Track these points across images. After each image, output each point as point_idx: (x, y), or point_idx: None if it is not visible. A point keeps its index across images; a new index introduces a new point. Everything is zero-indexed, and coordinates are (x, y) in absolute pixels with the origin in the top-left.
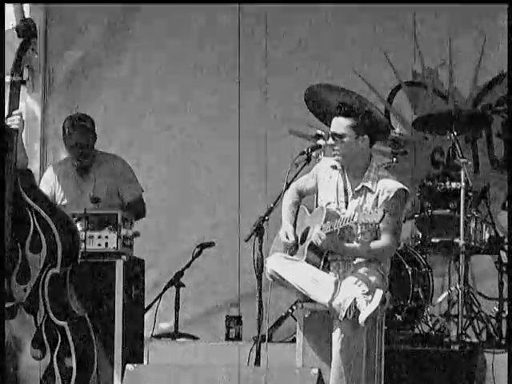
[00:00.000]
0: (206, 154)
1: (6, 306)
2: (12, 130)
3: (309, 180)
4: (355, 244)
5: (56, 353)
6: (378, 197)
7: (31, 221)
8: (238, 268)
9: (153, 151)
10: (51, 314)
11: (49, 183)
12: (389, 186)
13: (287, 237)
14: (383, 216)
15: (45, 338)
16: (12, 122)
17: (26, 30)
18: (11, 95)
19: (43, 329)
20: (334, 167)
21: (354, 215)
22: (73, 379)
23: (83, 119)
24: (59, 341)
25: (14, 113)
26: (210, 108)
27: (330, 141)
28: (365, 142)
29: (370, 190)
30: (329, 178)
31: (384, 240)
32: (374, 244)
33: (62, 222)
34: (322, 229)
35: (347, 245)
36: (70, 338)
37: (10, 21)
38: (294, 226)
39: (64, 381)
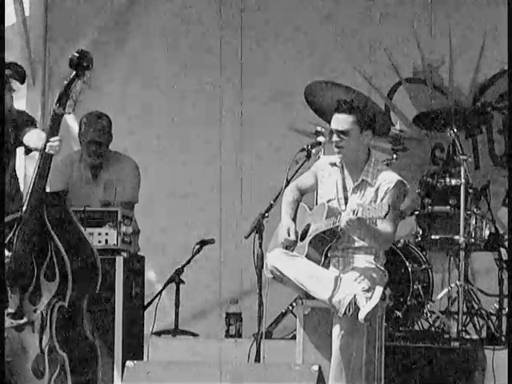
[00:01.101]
0: (206, 149)
1: (18, 322)
2: (48, 154)
3: (308, 177)
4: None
5: (53, 379)
6: (377, 189)
7: (49, 250)
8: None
9: (153, 144)
10: (55, 343)
11: (63, 173)
12: (388, 177)
13: (289, 234)
14: (388, 211)
15: (46, 362)
16: (50, 147)
17: (79, 63)
18: (51, 125)
19: (46, 353)
20: (333, 164)
21: (357, 210)
22: None
23: (100, 117)
24: (58, 369)
25: (53, 139)
26: (212, 100)
27: (335, 138)
28: (368, 136)
29: (370, 184)
30: (328, 176)
31: (385, 227)
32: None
33: (82, 255)
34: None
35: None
36: (67, 369)
37: (11, 16)
38: (295, 222)
39: None
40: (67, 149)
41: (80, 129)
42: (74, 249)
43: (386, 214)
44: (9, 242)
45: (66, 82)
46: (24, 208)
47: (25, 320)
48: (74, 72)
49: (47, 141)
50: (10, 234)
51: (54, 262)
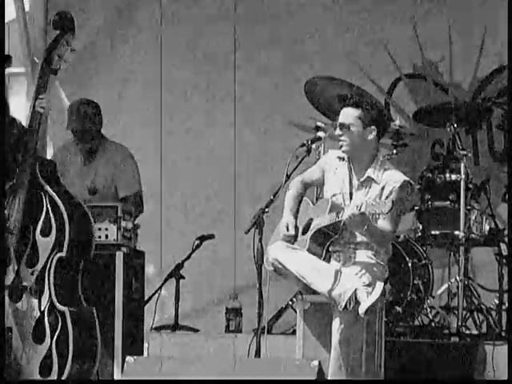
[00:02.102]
0: (206, 145)
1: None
2: (36, 112)
3: (315, 172)
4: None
5: (55, 338)
6: (383, 188)
7: (44, 204)
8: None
9: (153, 141)
10: (54, 299)
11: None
12: (395, 177)
13: (288, 228)
14: (391, 207)
15: (46, 322)
16: (39, 104)
17: (59, 22)
18: (38, 83)
19: (46, 313)
20: (341, 159)
21: (361, 205)
22: (67, 367)
23: (83, 104)
24: (59, 326)
25: (41, 96)
26: (211, 97)
27: (338, 131)
28: (372, 133)
29: (375, 181)
30: (335, 170)
31: (386, 224)
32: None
33: (77, 212)
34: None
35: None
36: (69, 325)
37: (11, 13)
38: (296, 218)
39: (61, 368)
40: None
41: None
42: (64, 204)
43: (389, 211)
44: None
45: (51, 41)
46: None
47: (21, 286)
48: (58, 31)
49: (36, 99)
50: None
51: (49, 215)
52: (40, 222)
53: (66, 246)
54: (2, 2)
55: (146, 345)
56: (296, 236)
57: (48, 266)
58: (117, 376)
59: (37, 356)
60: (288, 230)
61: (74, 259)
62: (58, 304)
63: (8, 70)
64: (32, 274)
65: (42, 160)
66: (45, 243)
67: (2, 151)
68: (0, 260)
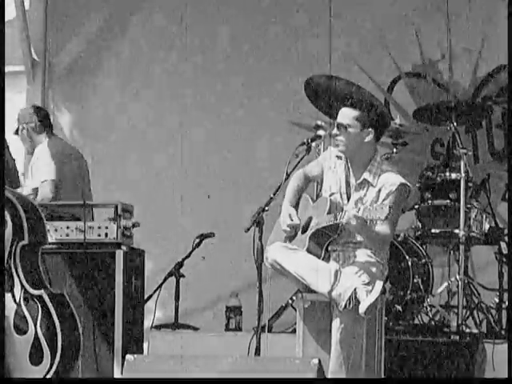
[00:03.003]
0: (205, 144)
1: None
2: None
3: (315, 167)
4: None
5: (39, 323)
6: (379, 190)
7: None
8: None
9: (151, 142)
10: (27, 286)
11: None
12: (391, 180)
13: (291, 219)
14: (389, 213)
15: (25, 311)
16: None
17: None
18: None
19: (22, 302)
20: (340, 157)
21: (358, 210)
22: (59, 346)
23: (23, 109)
24: (39, 311)
25: None
26: (211, 98)
27: (335, 130)
28: (369, 135)
29: (371, 184)
30: (333, 168)
31: (384, 228)
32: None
33: (25, 202)
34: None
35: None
36: (49, 305)
37: (11, 12)
38: (296, 210)
39: (52, 351)
40: None
41: None
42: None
43: (387, 216)
44: None
45: None
46: None
47: None
48: None
49: None
50: None
51: (1, 209)
52: None
53: (26, 233)
54: (1, 2)
55: (146, 343)
56: (296, 232)
57: (12, 256)
58: (117, 374)
59: (24, 347)
60: (292, 220)
61: (35, 245)
62: (32, 290)
63: (8, 69)
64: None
65: None
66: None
67: (2, 153)
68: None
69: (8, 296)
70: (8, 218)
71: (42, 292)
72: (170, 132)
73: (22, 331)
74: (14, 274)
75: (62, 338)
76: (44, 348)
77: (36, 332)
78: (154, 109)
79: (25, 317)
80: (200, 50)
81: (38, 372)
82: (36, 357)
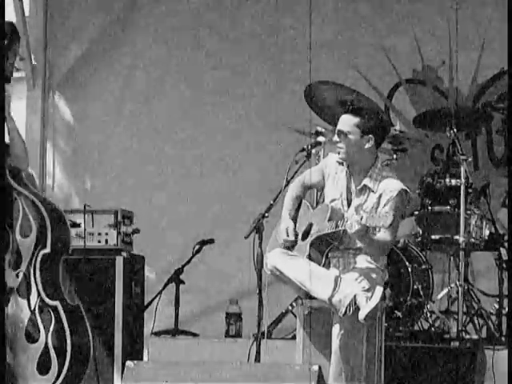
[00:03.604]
0: (205, 150)
1: None
2: None
3: (315, 174)
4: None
5: (50, 333)
6: (380, 196)
7: (20, 206)
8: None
9: (151, 147)
10: (43, 295)
11: None
12: (391, 186)
13: (288, 234)
14: (393, 221)
15: (39, 319)
16: None
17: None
18: None
19: (37, 311)
20: (341, 163)
21: (361, 217)
22: (67, 358)
23: None
24: (53, 321)
25: None
26: (214, 99)
27: (336, 137)
28: (369, 141)
29: (372, 190)
30: (335, 174)
31: (385, 236)
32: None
33: (52, 209)
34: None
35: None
36: (63, 318)
37: (11, 16)
38: (295, 221)
39: (60, 363)
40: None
41: None
42: (41, 202)
43: (391, 224)
44: None
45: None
46: None
47: (8, 287)
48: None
49: None
50: None
51: (27, 214)
52: (18, 223)
53: (49, 242)
54: (1, 2)
55: (145, 349)
56: (296, 241)
57: (33, 264)
58: (117, 381)
59: (33, 355)
60: (288, 236)
61: (56, 255)
62: (48, 300)
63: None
64: (17, 276)
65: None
66: (26, 243)
67: (2, 153)
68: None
69: (23, 303)
70: (33, 224)
71: (57, 303)
72: (170, 138)
73: (33, 339)
74: (33, 281)
75: (71, 351)
76: (52, 359)
77: (47, 342)
78: (155, 113)
79: (37, 325)
80: (201, 53)
81: (43, 381)
82: (44, 366)
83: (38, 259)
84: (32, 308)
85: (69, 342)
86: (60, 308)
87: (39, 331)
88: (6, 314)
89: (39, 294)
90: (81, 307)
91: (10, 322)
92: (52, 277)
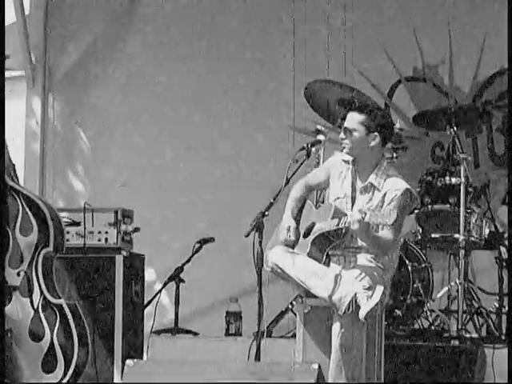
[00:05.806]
0: (205, 148)
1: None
2: None
3: (319, 174)
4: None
5: (56, 331)
6: (385, 195)
7: (20, 205)
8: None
9: (151, 147)
10: (47, 294)
11: None
12: (397, 185)
13: (289, 233)
14: (396, 218)
15: (43, 318)
16: None
17: None
18: None
19: (40, 309)
20: (346, 162)
21: (365, 215)
22: (74, 356)
23: None
24: (58, 319)
25: None
26: (214, 99)
27: (342, 134)
28: (375, 139)
29: (377, 188)
30: (340, 173)
31: (388, 234)
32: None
33: (50, 207)
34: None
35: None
36: (69, 315)
37: (11, 16)
38: (297, 221)
39: (66, 360)
40: None
41: None
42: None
43: (394, 222)
44: None
45: None
46: None
47: (10, 285)
48: None
49: None
50: None
51: (27, 213)
52: (18, 222)
53: (52, 240)
54: (1, 2)
55: (145, 348)
56: (297, 240)
57: (34, 263)
58: (117, 379)
59: (37, 354)
60: (289, 235)
61: (55, 253)
62: (51, 298)
63: (8, 74)
64: (18, 274)
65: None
66: (27, 242)
67: (2, 154)
68: None
69: (26, 301)
70: (34, 223)
71: (61, 301)
72: (171, 137)
73: (37, 338)
74: (35, 280)
75: (78, 349)
76: (58, 357)
77: (52, 340)
78: (155, 114)
79: (42, 324)
80: (201, 56)
81: (49, 380)
82: (49, 365)
83: (40, 258)
84: (35, 307)
85: (76, 340)
86: (65, 306)
87: (44, 329)
88: (5, 314)
89: (42, 293)
90: (78, 306)
91: (12, 320)
92: (51, 274)
